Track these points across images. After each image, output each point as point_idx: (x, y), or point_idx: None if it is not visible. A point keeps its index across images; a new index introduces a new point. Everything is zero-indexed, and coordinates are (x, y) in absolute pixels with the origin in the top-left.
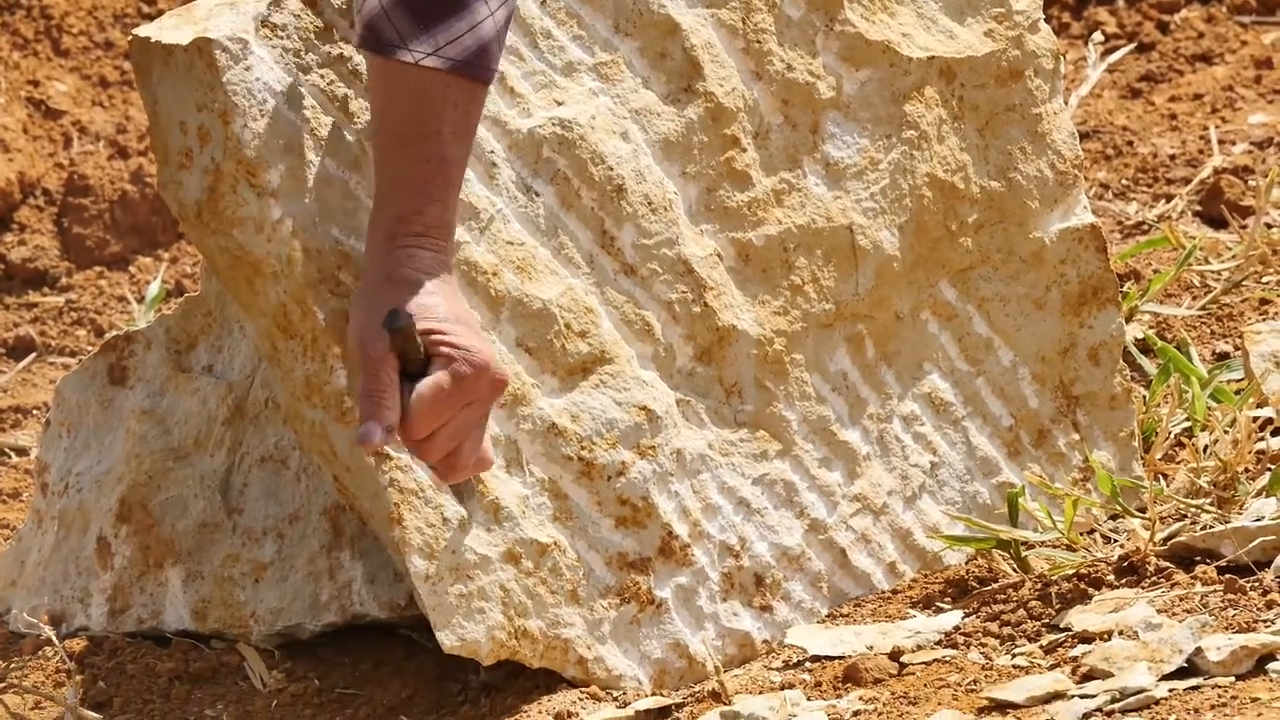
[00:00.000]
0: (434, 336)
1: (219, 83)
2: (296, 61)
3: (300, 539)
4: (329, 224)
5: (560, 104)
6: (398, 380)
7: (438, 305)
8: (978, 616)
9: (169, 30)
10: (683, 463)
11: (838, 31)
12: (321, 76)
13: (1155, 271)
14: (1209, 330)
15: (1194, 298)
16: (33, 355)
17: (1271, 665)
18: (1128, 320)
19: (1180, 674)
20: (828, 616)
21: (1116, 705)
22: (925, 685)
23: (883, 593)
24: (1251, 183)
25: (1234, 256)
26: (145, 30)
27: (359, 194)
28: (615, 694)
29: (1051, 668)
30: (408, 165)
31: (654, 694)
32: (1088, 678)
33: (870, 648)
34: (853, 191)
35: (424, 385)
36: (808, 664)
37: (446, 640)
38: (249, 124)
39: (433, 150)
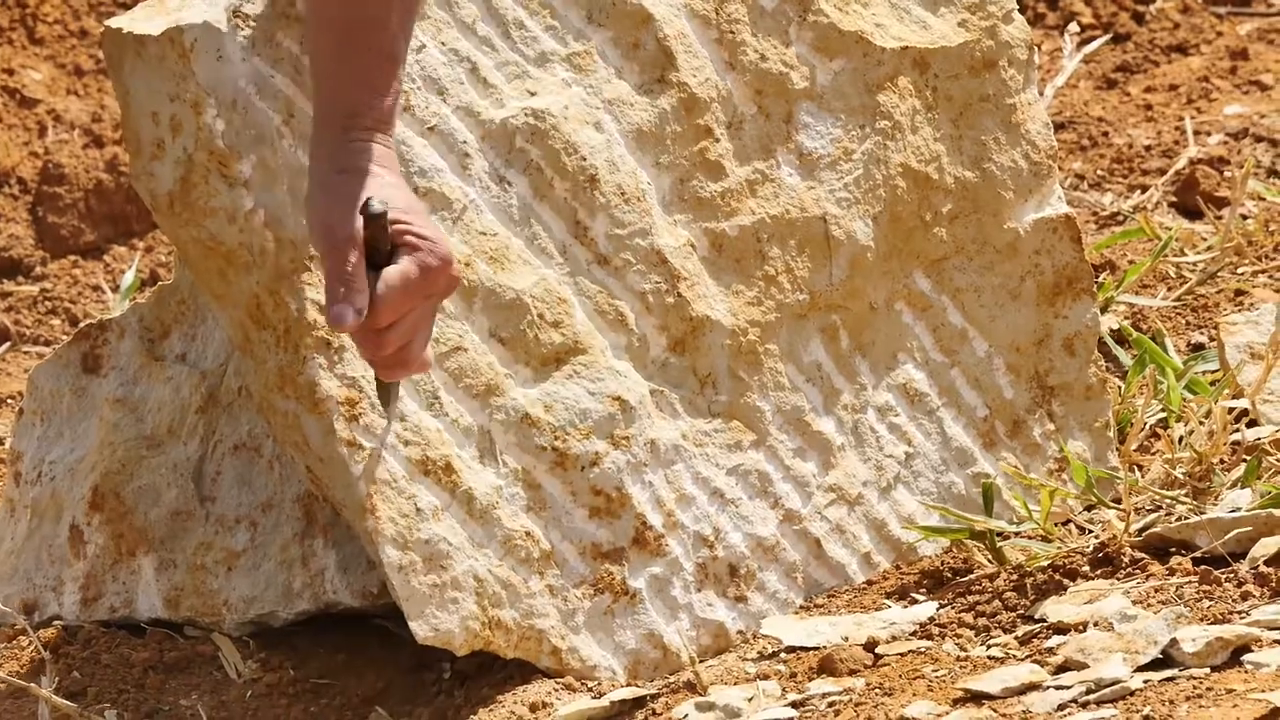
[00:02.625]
0: (398, 225)
1: (190, 73)
2: (268, 51)
3: (273, 527)
4: (302, 214)
5: (533, 94)
6: (364, 266)
7: (398, 196)
8: (953, 608)
9: (141, 21)
10: (657, 453)
11: (811, 22)
12: (293, 66)
13: (1130, 263)
14: (1184, 321)
15: (1169, 289)
16: (7, 344)
17: (1247, 657)
18: (1103, 311)
19: (1155, 665)
20: (802, 607)
21: (1091, 696)
22: (900, 676)
23: (858, 584)
24: (1227, 174)
25: (1209, 248)
26: (117, 21)
27: None
28: (590, 685)
29: (1026, 659)
30: (357, 57)
31: (629, 684)
32: (1063, 669)
33: (845, 639)
34: (826, 182)
35: (392, 273)
36: (783, 655)
37: (420, 631)
38: (221, 114)
39: (384, 42)
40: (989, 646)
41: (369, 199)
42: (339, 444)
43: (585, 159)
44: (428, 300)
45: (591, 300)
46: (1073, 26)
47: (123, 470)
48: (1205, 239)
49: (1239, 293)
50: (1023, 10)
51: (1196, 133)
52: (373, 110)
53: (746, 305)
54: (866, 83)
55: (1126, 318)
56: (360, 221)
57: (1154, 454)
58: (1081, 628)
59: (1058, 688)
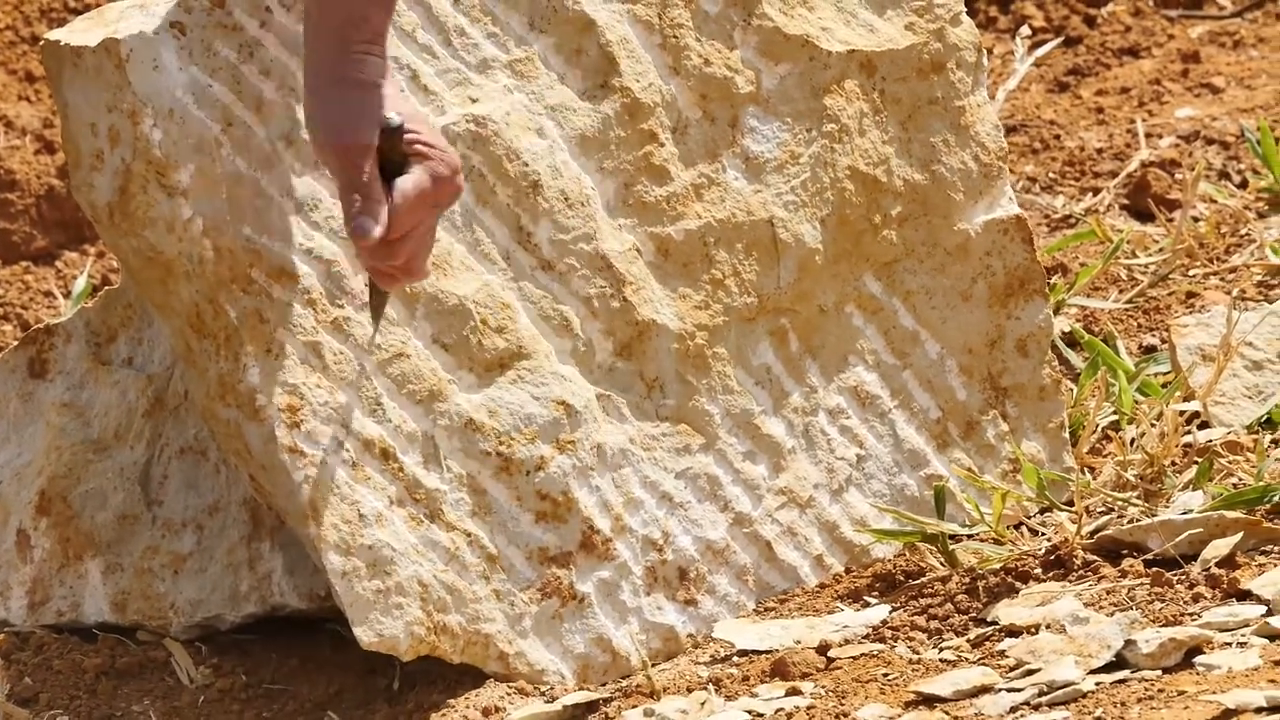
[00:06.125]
0: (409, 135)
1: (127, 83)
2: (206, 61)
3: (220, 530)
4: (240, 223)
5: (475, 101)
6: (379, 177)
7: (404, 107)
8: (905, 610)
9: (79, 33)
10: (603, 457)
11: (756, 26)
12: (231, 75)
13: (1082, 265)
14: (1136, 324)
15: (1121, 291)
16: None
17: (1199, 658)
18: (1054, 314)
19: (1108, 667)
20: (754, 610)
21: (1044, 699)
22: (853, 679)
23: (810, 587)
24: (1178, 176)
25: (1161, 250)
26: (55, 33)
27: (270, 192)
28: (543, 689)
29: (979, 661)
30: None
31: (579, 688)
32: (1014, 671)
33: (798, 642)
34: (773, 185)
35: (407, 182)
36: (735, 658)
37: (364, 637)
38: (158, 124)
39: None
40: (941, 649)
41: (386, 112)
42: (280, 451)
43: (528, 165)
44: (434, 210)
45: (536, 305)
46: (1024, 30)
47: (69, 474)
48: (1157, 241)
49: (1190, 295)
50: (973, 14)
51: (1148, 135)
52: (370, 22)
53: (694, 309)
54: (813, 86)
55: (1078, 320)
56: (374, 134)
57: (1106, 456)
58: (1033, 630)
59: (1010, 690)
